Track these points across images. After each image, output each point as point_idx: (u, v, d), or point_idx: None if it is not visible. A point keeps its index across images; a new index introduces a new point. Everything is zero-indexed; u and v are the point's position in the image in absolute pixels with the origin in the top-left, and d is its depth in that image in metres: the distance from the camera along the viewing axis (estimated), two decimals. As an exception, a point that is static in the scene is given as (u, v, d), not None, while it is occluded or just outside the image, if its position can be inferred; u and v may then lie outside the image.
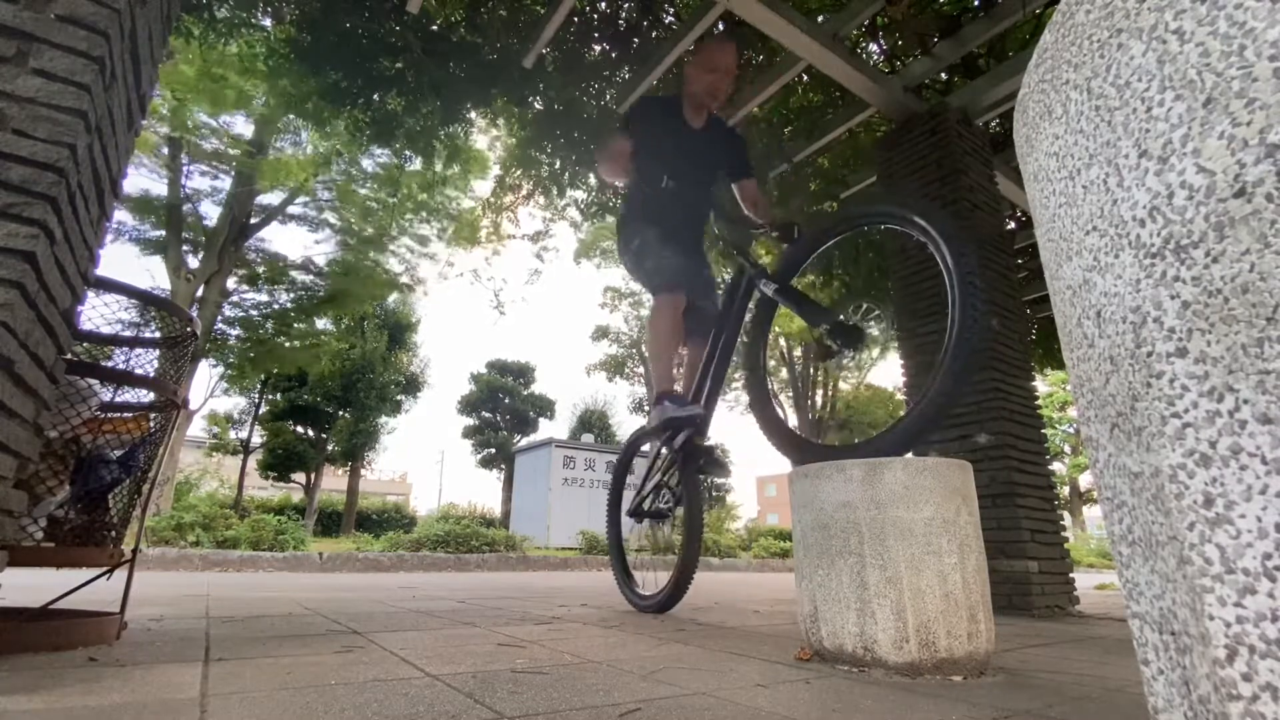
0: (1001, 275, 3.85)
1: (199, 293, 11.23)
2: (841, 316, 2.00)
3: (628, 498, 2.90)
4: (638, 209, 2.63)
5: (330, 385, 16.61)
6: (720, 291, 2.63)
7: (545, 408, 22.60)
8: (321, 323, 13.68)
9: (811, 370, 16.16)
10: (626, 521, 2.89)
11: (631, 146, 2.47)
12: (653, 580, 2.75)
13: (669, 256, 2.48)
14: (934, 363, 1.68)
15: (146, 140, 9.91)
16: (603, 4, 4.72)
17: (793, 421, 17.34)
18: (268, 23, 4.60)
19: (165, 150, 10.67)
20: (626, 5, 4.61)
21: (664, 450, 2.67)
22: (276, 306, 12.76)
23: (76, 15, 1.23)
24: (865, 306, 2.01)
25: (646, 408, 20.58)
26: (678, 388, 2.51)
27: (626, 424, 24.13)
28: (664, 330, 2.41)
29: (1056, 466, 24.24)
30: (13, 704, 0.92)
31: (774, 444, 2.14)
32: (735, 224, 2.56)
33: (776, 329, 15.88)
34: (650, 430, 2.51)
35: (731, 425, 56.22)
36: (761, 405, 2.23)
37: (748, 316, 2.47)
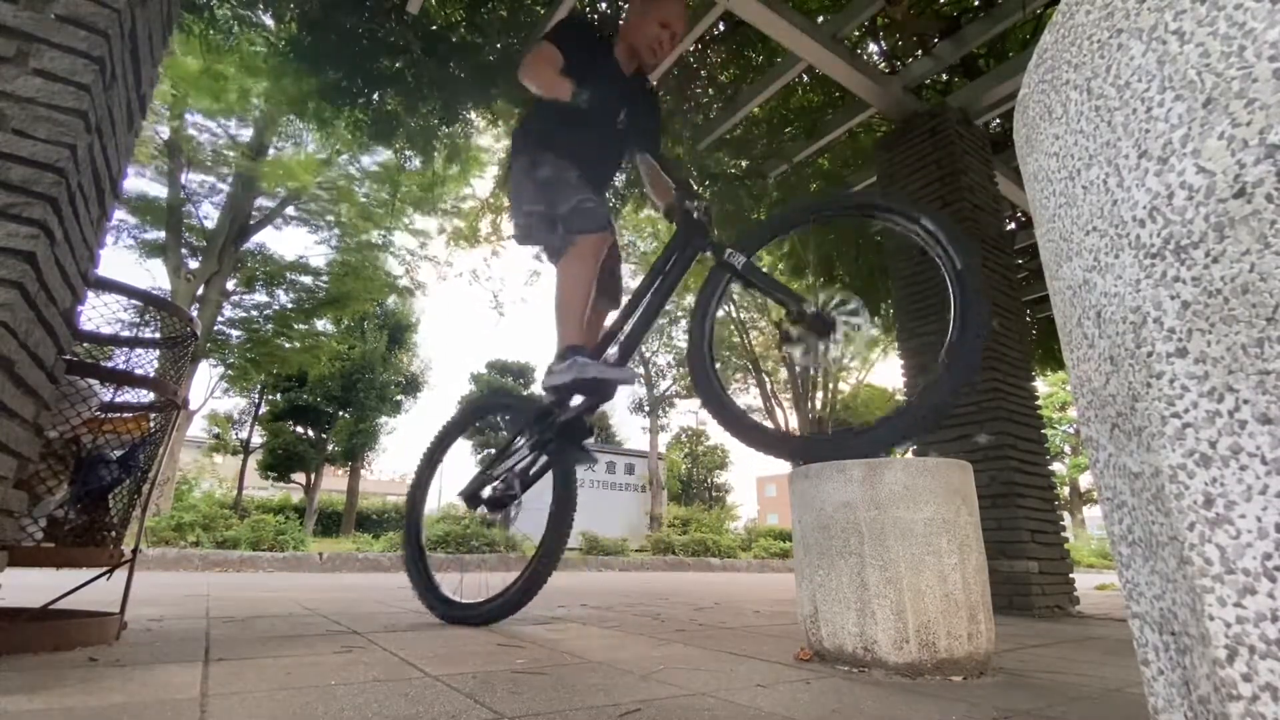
0: (1001, 275, 3.85)
1: (199, 293, 11.24)
2: (807, 303, 1.84)
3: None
4: (550, 138, 2.28)
5: (330, 385, 16.61)
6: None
7: (545, 408, 22.56)
8: (321, 323, 13.69)
9: (812, 370, 16.13)
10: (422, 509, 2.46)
11: (569, 84, 2.10)
12: (470, 583, 2.29)
13: (592, 197, 2.17)
14: (930, 365, 1.65)
15: (146, 143, 9.91)
16: (603, 4, 4.72)
17: (793, 422, 17.33)
18: (268, 21, 4.60)
19: (164, 152, 10.68)
20: (626, 5, 4.60)
21: (529, 429, 2.27)
22: (276, 307, 12.77)
23: (76, 15, 1.23)
24: (838, 298, 1.84)
25: (646, 407, 20.56)
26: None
27: (626, 424, 24.12)
28: (585, 276, 2.12)
29: (1056, 466, 24.24)
30: (13, 704, 0.92)
31: (722, 424, 1.92)
32: (678, 187, 2.27)
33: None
34: (551, 386, 2.06)
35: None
36: (708, 386, 1.98)
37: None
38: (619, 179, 5.50)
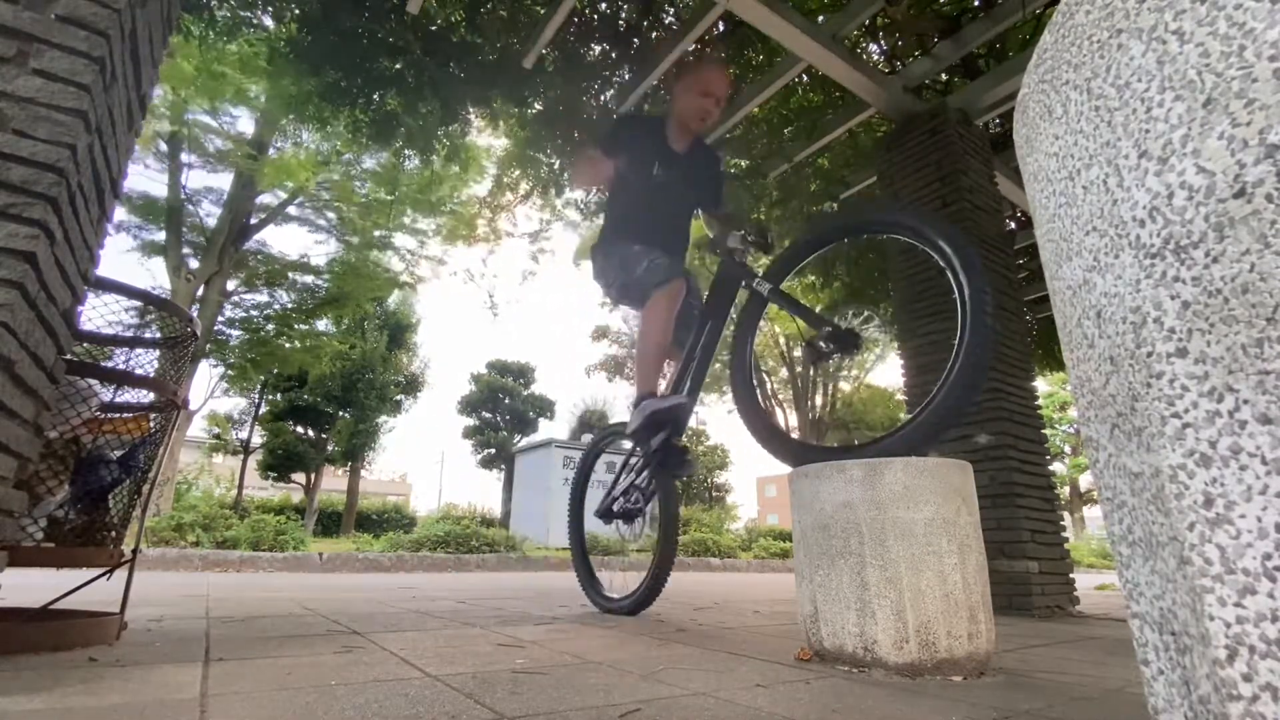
0: (1001, 275, 3.85)
1: (199, 293, 11.23)
2: (836, 321, 1.94)
3: (594, 498, 2.88)
4: (617, 230, 2.55)
5: (330, 385, 16.60)
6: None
7: (545, 408, 22.57)
8: (322, 323, 13.67)
9: (811, 371, 16.14)
10: (592, 523, 2.89)
11: (611, 169, 2.40)
12: (620, 582, 2.71)
13: (659, 254, 2.36)
14: (933, 364, 1.67)
15: (146, 139, 9.91)
16: (603, 4, 4.72)
17: (792, 421, 17.33)
18: (268, 22, 4.60)
19: (164, 148, 10.68)
20: (626, 5, 4.60)
21: (636, 451, 2.60)
22: (277, 307, 12.77)
23: (76, 15, 1.23)
24: (863, 312, 1.96)
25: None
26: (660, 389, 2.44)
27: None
28: (661, 326, 2.27)
29: (1056, 466, 24.22)
30: (13, 704, 0.92)
31: (761, 442, 2.04)
32: (722, 224, 2.49)
33: (777, 329, 15.89)
34: (630, 433, 2.34)
35: (731, 424, 56.08)
36: (749, 404, 2.12)
37: (732, 313, 2.41)
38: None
